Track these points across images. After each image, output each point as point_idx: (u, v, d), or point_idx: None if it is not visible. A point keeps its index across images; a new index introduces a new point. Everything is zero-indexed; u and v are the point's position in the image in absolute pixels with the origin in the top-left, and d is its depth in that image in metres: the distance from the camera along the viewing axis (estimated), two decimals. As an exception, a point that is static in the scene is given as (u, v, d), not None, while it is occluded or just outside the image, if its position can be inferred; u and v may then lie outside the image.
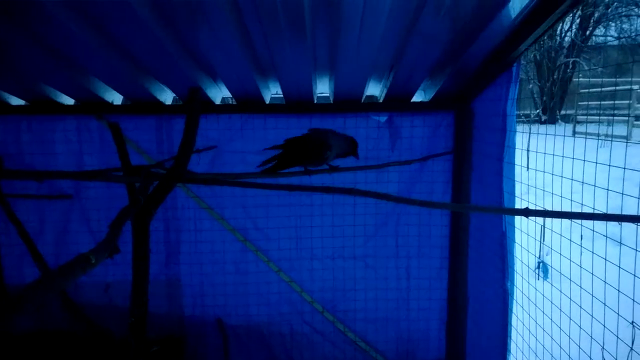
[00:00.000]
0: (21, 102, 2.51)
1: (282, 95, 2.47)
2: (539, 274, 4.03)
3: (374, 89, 2.61)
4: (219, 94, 2.63)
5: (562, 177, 2.01)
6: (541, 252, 4.15)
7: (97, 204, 2.55)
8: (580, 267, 1.96)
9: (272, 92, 2.64)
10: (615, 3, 14.84)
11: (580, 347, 1.83)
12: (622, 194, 1.77)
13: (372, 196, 1.72)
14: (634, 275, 1.65)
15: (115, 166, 2.04)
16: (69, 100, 2.51)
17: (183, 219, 2.65)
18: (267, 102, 2.54)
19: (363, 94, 2.49)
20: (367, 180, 2.63)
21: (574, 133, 8.89)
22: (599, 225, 3.05)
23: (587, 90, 10.35)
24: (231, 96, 2.50)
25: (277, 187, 1.90)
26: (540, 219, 3.56)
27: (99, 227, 2.57)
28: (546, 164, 2.13)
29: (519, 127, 2.70)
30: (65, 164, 2.48)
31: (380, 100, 2.56)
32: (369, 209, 2.70)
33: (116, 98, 2.57)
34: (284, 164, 1.93)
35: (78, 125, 2.51)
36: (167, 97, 2.60)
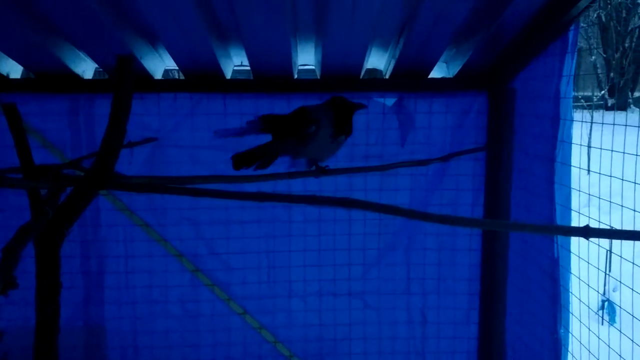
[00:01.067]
0: None
1: (248, 68, 2.49)
2: (603, 317, 4.08)
3: (378, 61, 2.61)
4: (161, 65, 2.61)
5: (635, 183, 2.02)
6: (606, 287, 4.20)
7: (-15, 219, 2.53)
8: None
9: (236, 63, 2.63)
10: None
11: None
12: None
13: (374, 209, 1.71)
14: None
15: (12, 165, 2.02)
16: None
17: (109, 241, 2.66)
18: (228, 77, 2.57)
19: (362, 67, 2.48)
20: (368, 186, 2.65)
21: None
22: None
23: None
24: (177, 68, 2.52)
25: (242, 197, 1.88)
26: (605, 242, 3.55)
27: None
28: (614, 165, 2.13)
29: (577, 115, 2.74)
30: None
31: (386, 76, 2.60)
32: (371, 228, 2.73)
33: (13, 70, 2.53)
34: (269, 157, 1.98)
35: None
36: (87, 68, 2.57)
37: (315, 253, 2.73)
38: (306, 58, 2.59)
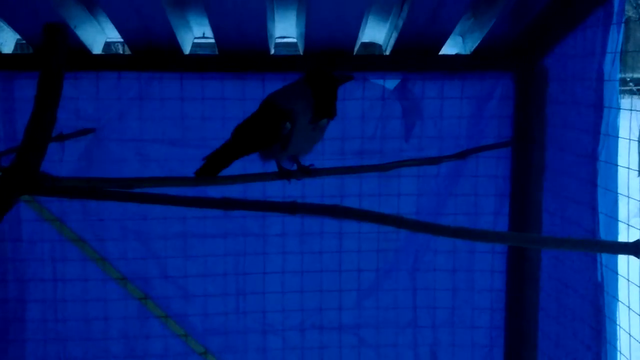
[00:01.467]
0: None
1: (212, 41, 2.48)
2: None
3: (376, 33, 2.58)
4: (101, 36, 2.60)
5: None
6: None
7: None
8: None
9: (196, 34, 2.60)
10: None
11: None
12: None
13: (370, 220, 1.71)
14: None
15: None
16: None
17: (32, 261, 2.62)
18: (187, 53, 2.57)
19: (356, 40, 2.47)
20: (364, 191, 2.65)
21: None
22: None
23: None
24: (122, 41, 2.53)
25: (203, 204, 1.91)
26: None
27: None
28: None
29: (625, 102, 2.73)
30: None
31: (387, 52, 2.61)
32: (367, 243, 2.72)
33: None
34: (225, 159, 2.00)
35: None
36: (5, 40, 2.54)
37: (297, 275, 2.71)
38: (286, 28, 2.58)
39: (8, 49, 2.54)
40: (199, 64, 2.54)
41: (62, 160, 2.48)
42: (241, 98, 2.54)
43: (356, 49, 2.54)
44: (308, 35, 2.39)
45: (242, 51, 2.48)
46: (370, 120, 2.63)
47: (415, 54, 2.54)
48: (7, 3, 2.20)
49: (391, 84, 2.62)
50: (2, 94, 2.54)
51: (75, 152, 2.54)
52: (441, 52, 2.57)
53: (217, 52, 2.52)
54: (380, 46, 2.62)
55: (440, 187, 2.69)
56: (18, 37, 2.51)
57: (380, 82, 2.62)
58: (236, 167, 2.03)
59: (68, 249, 2.62)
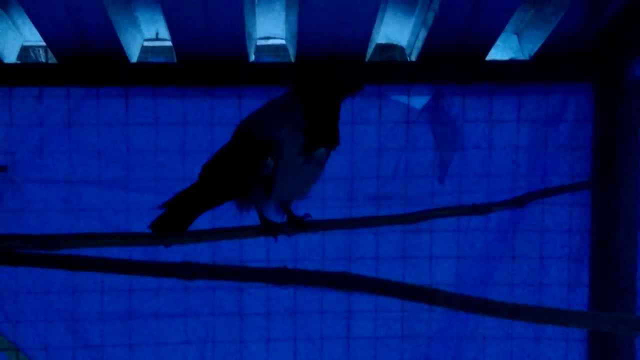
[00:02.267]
0: None
1: (169, 44, 2.53)
2: None
3: (396, 31, 2.60)
4: (15, 40, 2.62)
5: None
6: None
7: None
8: None
9: (147, 35, 2.63)
10: None
11: None
12: None
13: (391, 293, 1.76)
14: None
15: None
16: None
17: None
18: (134, 61, 2.60)
19: (370, 42, 2.48)
20: (382, 252, 2.67)
21: None
22: None
23: None
24: (44, 45, 2.53)
25: (157, 272, 1.96)
26: None
27: None
28: None
29: None
30: None
31: (412, 58, 2.62)
32: (387, 327, 2.71)
33: None
34: (194, 208, 2.00)
35: None
36: None
37: None
38: (271, 26, 2.60)
39: None
40: (151, 75, 2.55)
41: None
42: (209, 122, 2.57)
43: (369, 53, 2.54)
44: (301, 35, 2.40)
45: (209, 57, 2.51)
46: (390, 152, 2.64)
47: (451, 60, 2.55)
48: None
49: (419, 101, 2.62)
50: None
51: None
52: (489, 57, 2.59)
53: (175, 60, 2.53)
54: (402, 49, 2.63)
55: (490, 247, 2.69)
56: None
57: (404, 98, 2.62)
58: (202, 218, 2.01)
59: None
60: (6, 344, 2.64)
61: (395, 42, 2.63)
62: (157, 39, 2.59)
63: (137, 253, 2.34)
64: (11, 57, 2.58)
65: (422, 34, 2.47)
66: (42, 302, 2.64)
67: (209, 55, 2.50)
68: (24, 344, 2.65)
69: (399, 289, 1.75)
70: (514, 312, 1.64)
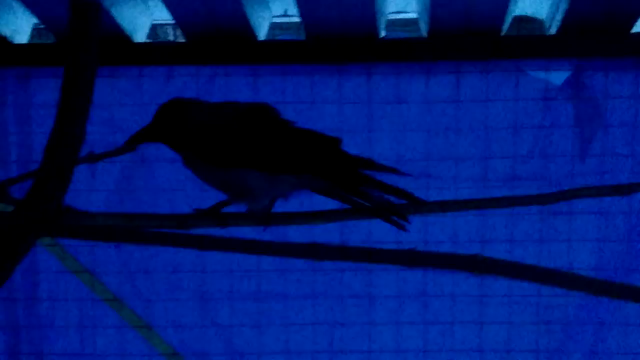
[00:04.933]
0: None
1: (297, 20, 2.55)
2: None
3: (536, 3, 2.56)
4: (145, 18, 2.65)
5: None
6: None
7: None
8: None
9: (275, 11, 2.64)
10: None
11: None
12: None
13: (526, 277, 1.71)
14: None
15: None
16: None
17: (52, 327, 2.71)
18: (263, 38, 2.63)
19: (506, 14, 2.44)
20: (516, 234, 2.64)
21: None
22: None
23: None
24: (173, 22, 2.59)
25: (284, 251, 1.93)
26: None
27: None
28: None
29: None
30: None
31: (552, 31, 2.57)
32: (521, 312, 2.67)
33: None
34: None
35: None
36: (19, 26, 2.62)
37: (418, 356, 2.73)
38: (403, 0, 2.58)
39: (22, 37, 2.61)
40: (279, 52, 2.56)
41: (92, 190, 2.55)
42: (337, 100, 2.58)
43: (505, 27, 2.51)
44: (434, 9, 2.36)
45: (338, 34, 2.50)
46: (527, 131, 2.60)
47: (593, 33, 2.49)
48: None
49: (558, 76, 2.58)
50: (14, 98, 2.64)
51: (110, 178, 2.62)
52: (634, 30, 2.51)
53: (303, 37, 2.54)
54: (541, 22, 2.58)
55: (634, 230, 2.61)
56: (35, 21, 2.59)
57: (542, 74, 2.58)
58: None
59: (100, 311, 2.69)
60: (138, 322, 2.71)
61: (533, 15, 2.59)
62: (285, 15, 2.60)
63: (265, 233, 2.39)
64: (141, 37, 2.62)
65: (563, 6, 2.41)
66: (172, 281, 2.70)
67: (338, 32, 2.49)
68: (155, 321, 2.71)
69: (534, 273, 1.70)
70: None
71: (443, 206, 2.09)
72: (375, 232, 2.55)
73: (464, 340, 2.70)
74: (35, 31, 2.66)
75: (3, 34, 2.54)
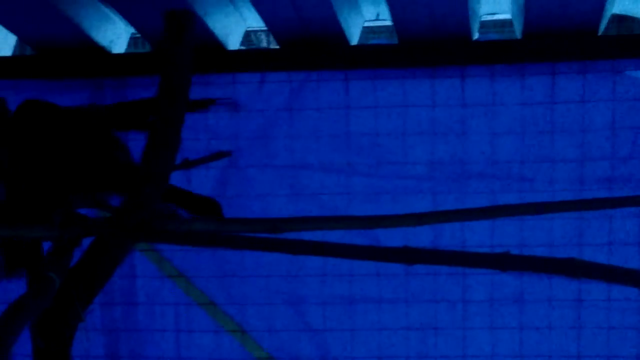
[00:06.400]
0: None
1: (389, 24, 2.52)
2: None
3: (634, 2, 2.50)
4: (239, 26, 2.68)
5: None
6: None
7: None
8: None
9: (367, 16, 2.64)
10: None
11: None
12: None
13: (626, 281, 1.77)
14: None
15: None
16: None
17: (149, 330, 2.76)
18: (355, 43, 2.62)
19: (603, 13, 2.39)
20: (615, 237, 2.58)
21: None
22: None
23: None
24: (265, 29, 2.58)
25: (376, 255, 1.98)
26: None
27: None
28: None
29: None
30: None
31: None
32: (621, 316, 2.63)
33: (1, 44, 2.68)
34: None
35: None
36: (117, 36, 2.67)
37: None
38: (496, 1, 2.58)
39: (120, 48, 2.66)
40: (372, 57, 2.56)
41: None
42: (430, 104, 2.56)
43: (602, 26, 2.47)
44: (529, 9, 2.34)
45: (431, 37, 2.49)
46: (625, 132, 2.56)
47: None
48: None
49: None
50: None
51: (205, 183, 2.65)
52: None
53: (396, 40, 2.53)
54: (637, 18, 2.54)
55: None
56: (133, 31, 2.63)
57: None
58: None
59: (196, 315, 2.72)
60: (233, 326, 2.73)
61: (632, 14, 2.54)
62: (377, 19, 2.61)
63: (357, 237, 2.39)
64: (234, 44, 2.64)
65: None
66: (265, 285, 2.71)
67: (430, 35, 2.48)
68: (249, 326, 2.73)
69: (633, 277, 1.73)
70: None
71: (538, 208, 2.10)
72: (469, 235, 2.56)
73: (561, 345, 2.67)
74: (132, 40, 2.71)
75: (101, 44, 2.58)
